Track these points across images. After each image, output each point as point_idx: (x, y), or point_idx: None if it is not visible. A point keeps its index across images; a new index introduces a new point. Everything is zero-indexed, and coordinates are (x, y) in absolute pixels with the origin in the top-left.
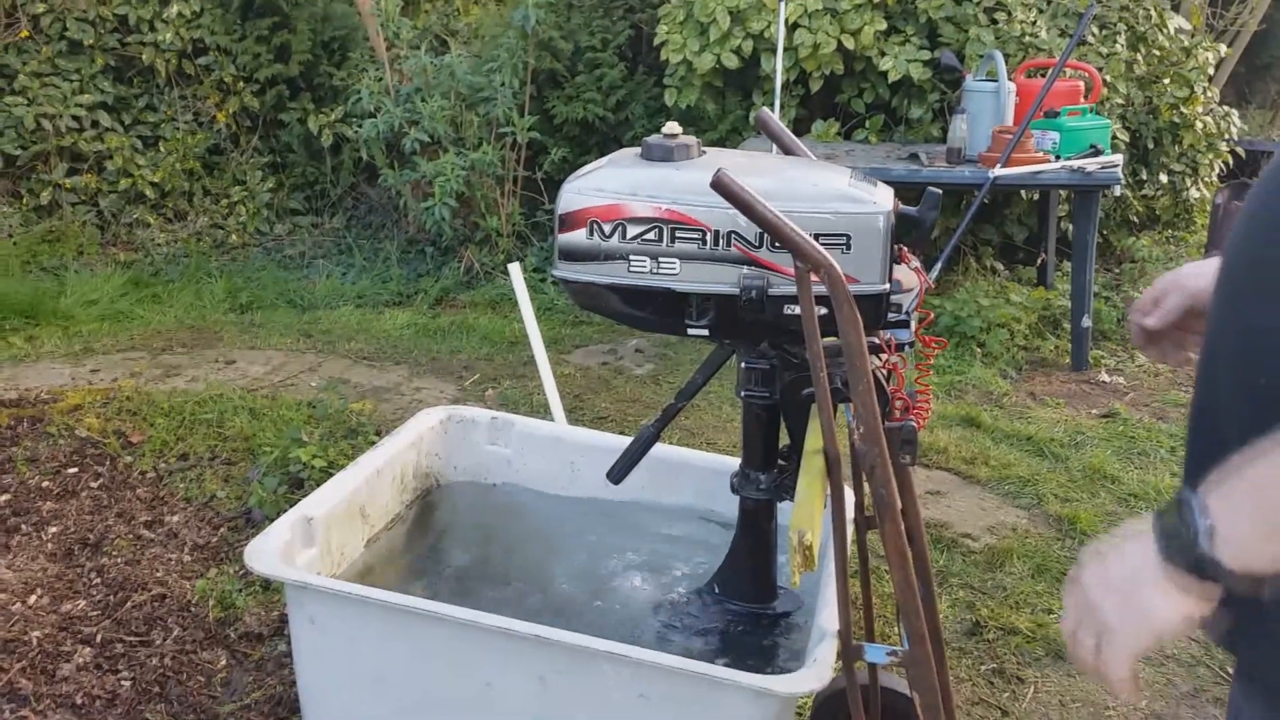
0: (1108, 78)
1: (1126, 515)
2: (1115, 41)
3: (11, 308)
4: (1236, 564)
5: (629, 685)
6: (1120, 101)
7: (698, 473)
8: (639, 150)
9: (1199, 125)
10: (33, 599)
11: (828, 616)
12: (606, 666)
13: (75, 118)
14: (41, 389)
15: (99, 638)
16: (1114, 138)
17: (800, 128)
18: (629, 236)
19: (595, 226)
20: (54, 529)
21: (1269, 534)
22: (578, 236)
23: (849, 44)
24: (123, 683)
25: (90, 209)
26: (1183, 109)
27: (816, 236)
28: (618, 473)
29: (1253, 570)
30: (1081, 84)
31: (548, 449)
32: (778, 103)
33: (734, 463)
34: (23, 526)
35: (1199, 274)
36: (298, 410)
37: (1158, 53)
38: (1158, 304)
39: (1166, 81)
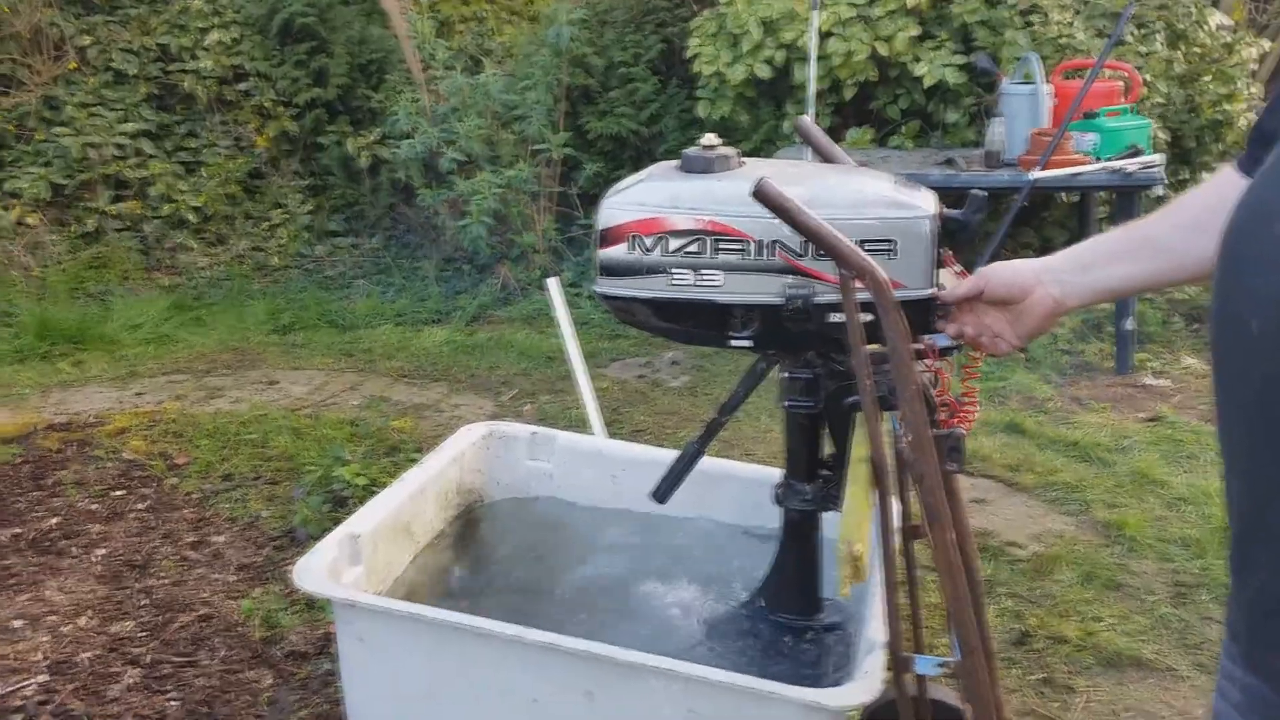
0: (1147, 77)
1: (1175, 520)
2: (1154, 40)
3: (59, 333)
4: None
5: (678, 700)
6: (1160, 101)
7: (740, 484)
8: (677, 163)
9: (1241, 122)
10: (82, 620)
11: (876, 628)
12: (654, 681)
13: (119, 146)
14: (89, 413)
15: (147, 658)
16: (1154, 137)
17: (834, 136)
18: (671, 249)
19: (636, 240)
20: (102, 551)
21: None
22: (618, 251)
23: (883, 50)
24: (170, 703)
25: (134, 235)
26: (1225, 106)
27: (861, 243)
28: (663, 492)
29: None
30: (1120, 84)
31: (589, 463)
32: (811, 111)
33: (776, 473)
34: (72, 549)
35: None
36: (339, 429)
37: (1198, 50)
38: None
39: (1207, 79)
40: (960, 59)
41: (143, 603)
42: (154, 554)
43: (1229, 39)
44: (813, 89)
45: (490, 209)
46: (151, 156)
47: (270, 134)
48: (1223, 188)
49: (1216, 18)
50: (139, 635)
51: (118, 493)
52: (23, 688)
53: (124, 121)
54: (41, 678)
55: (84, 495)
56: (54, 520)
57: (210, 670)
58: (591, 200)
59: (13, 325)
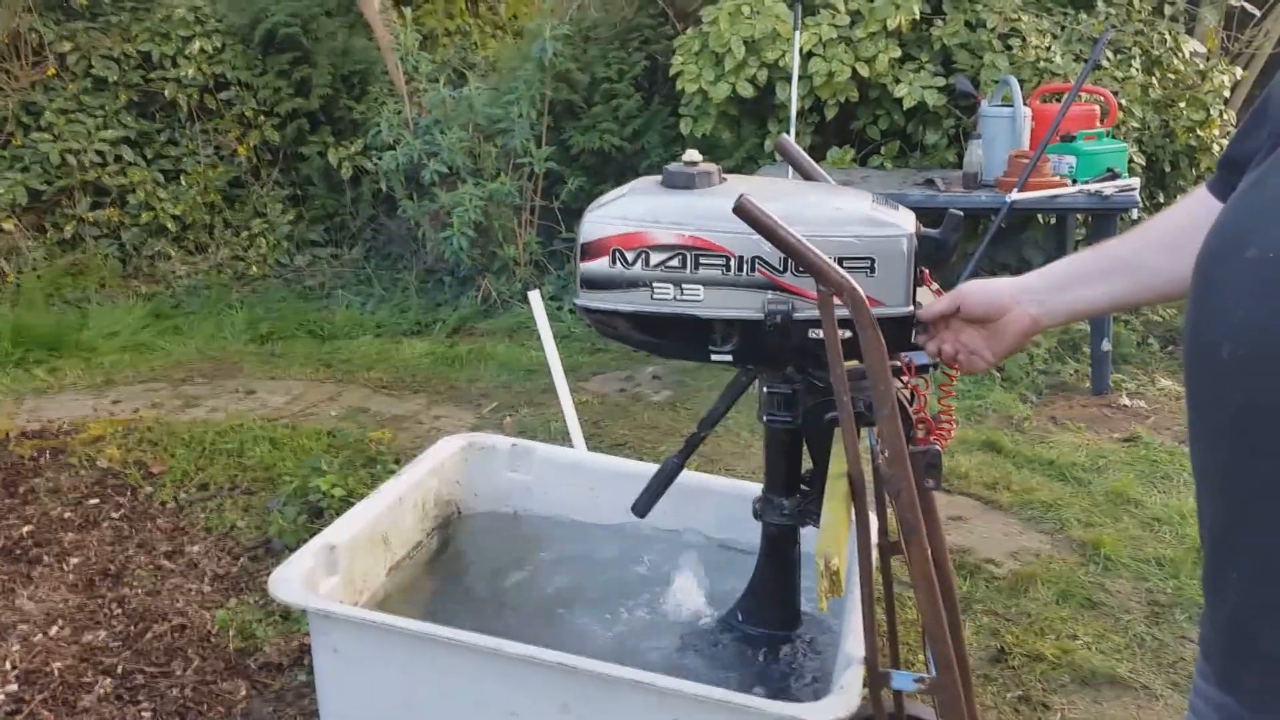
0: (1123, 102)
1: (1150, 539)
2: (1130, 65)
3: (35, 340)
4: None
5: (654, 714)
6: (1136, 125)
7: (719, 499)
8: (659, 178)
9: (1215, 148)
10: (54, 629)
11: (853, 643)
12: (631, 695)
13: (99, 153)
14: (64, 420)
15: (120, 668)
16: (1130, 161)
17: (815, 155)
18: (652, 264)
19: (618, 255)
20: (75, 559)
21: None
22: (600, 265)
23: (864, 71)
24: (143, 714)
25: (112, 242)
26: (1199, 132)
27: (840, 260)
28: (642, 506)
29: None
30: (1097, 108)
31: (568, 476)
32: (793, 130)
33: (756, 488)
34: (45, 557)
35: (978, 285)
36: (317, 439)
37: (1173, 76)
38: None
39: (1182, 105)
40: (940, 81)
41: (116, 612)
42: (128, 563)
43: (1203, 66)
44: (794, 108)
45: (472, 221)
46: (131, 164)
47: (251, 143)
48: (1194, 209)
49: (1191, 45)
50: (112, 645)
51: (92, 501)
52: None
53: (104, 128)
54: (11, 687)
55: (58, 503)
56: (27, 528)
57: (184, 681)
58: (574, 214)
59: None
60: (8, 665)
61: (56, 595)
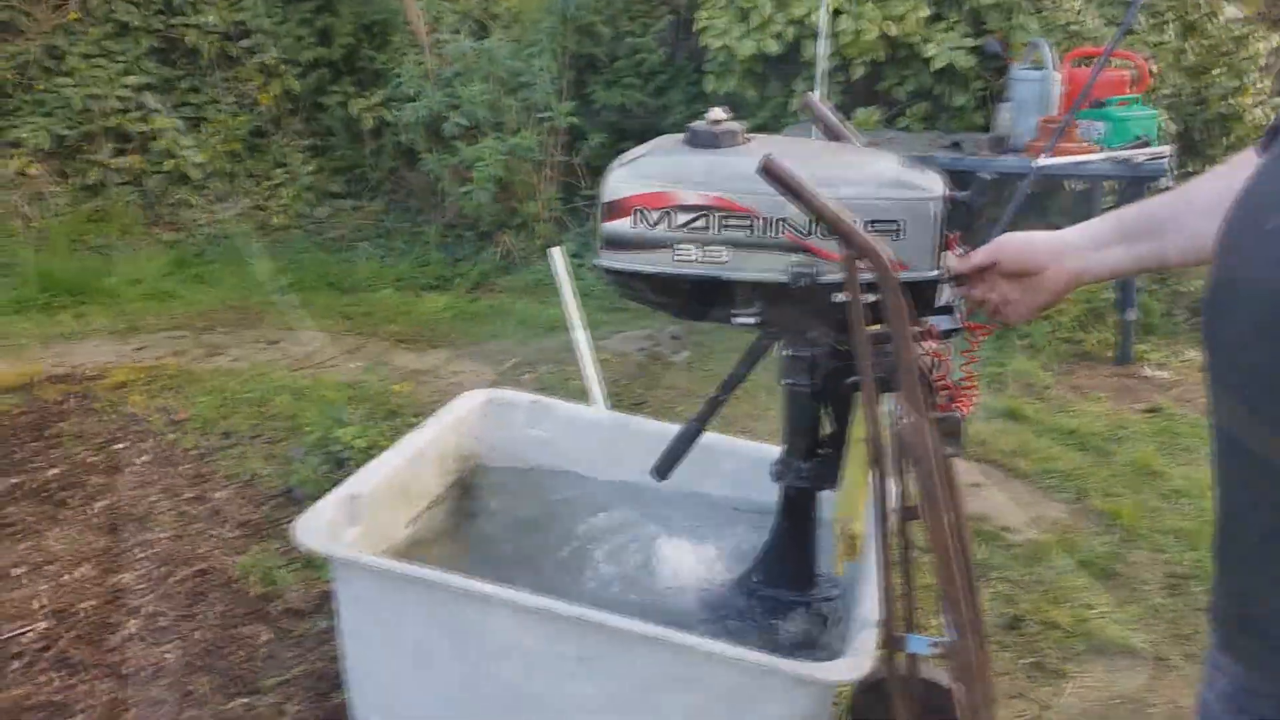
0: (1155, 68)
1: (1170, 511)
2: (1165, 30)
3: (60, 285)
4: None
5: (669, 669)
6: (1169, 92)
7: (738, 460)
8: (684, 136)
9: (1249, 117)
10: (81, 570)
11: (869, 606)
12: (647, 650)
13: (121, 99)
14: (89, 365)
15: (146, 610)
16: (1162, 128)
17: (841, 115)
18: (675, 224)
19: (640, 214)
20: (101, 503)
21: None
22: (622, 224)
23: (892, 31)
24: (167, 655)
25: (135, 189)
26: (1232, 100)
27: (868, 223)
28: (662, 468)
29: None
30: (1129, 73)
31: (587, 433)
32: (819, 89)
33: (775, 451)
34: (71, 500)
35: (1018, 238)
36: (339, 391)
37: (1208, 42)
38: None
39: (1217, 72)
40: (970, 42)
41: (141, 555)
42: (153, 508)
43: (1239, 32)
44: (822, 66)
45: (493, 176)
46: (154, 111)
47: (273, 92)
48: (1239, 173)
49: (1229, 9)
50: (138, 587)
51: (118, 446)
52: (23, 633)
53: (126, 74)
54: (42, 624)
55: (84, 447)
56: (54, 471)
57: (208, 624)
58: (595, 171)
59: (13, 276)
60: (38, 603)
61: (83, 538)
